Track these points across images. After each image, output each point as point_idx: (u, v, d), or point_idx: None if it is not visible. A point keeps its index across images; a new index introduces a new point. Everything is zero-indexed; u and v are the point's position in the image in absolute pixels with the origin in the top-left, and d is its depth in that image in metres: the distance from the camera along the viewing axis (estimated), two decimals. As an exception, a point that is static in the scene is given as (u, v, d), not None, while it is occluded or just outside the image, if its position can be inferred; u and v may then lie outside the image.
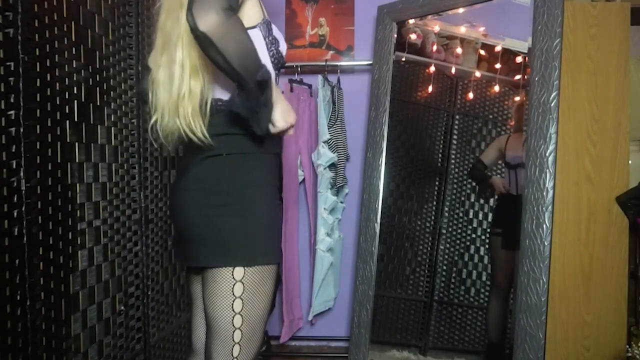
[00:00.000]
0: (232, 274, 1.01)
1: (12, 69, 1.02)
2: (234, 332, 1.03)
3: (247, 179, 1.04)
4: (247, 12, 1.05)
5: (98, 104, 1.34)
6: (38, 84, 1.09)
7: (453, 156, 2.22)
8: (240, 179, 1.03)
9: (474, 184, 2.18)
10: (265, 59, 1.06)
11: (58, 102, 1.16)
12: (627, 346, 1.50)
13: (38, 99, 1.09)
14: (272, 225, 1.08)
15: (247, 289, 1.02)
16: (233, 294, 1.02)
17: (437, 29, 2.16)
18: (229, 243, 1.02)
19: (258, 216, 1.04)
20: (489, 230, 2.13)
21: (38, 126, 1.09)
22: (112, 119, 1.41)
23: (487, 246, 2.11)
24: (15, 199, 1.02)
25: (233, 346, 1.03)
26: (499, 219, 2.14)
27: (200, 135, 1.01)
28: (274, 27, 1.11)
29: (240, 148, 1.04)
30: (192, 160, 1.05)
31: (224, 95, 1.05)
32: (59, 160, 1.16)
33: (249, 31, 1.00)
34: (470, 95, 2.18)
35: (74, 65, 1.23)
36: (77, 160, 1.24)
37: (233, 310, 1.02)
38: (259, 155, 1.06)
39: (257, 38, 1.05)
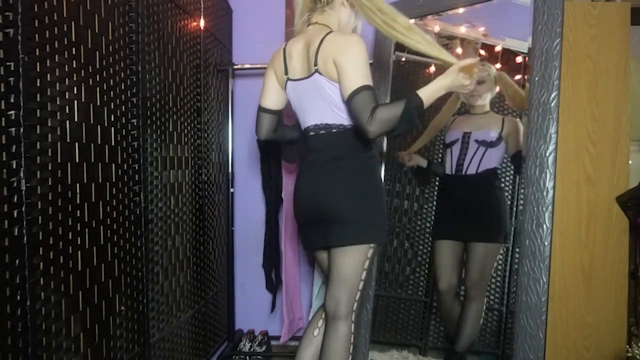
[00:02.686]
0: (369, 246, 1.46)
1: (12, 69, 1.02)
2: (360, 283, 1.47)
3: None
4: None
5: (98, 104, 1.34)
6: (38, 84, 1.09)
7: (453, 156, 2.21)
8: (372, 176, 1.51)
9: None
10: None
11: (58, 102, 1.16)
12: (628, 346, 1.50)
13: (38, 99, 1.09)
14: None
15: (372, 254, 1.48)
16: (367, 257, 1.46)
17: (437, 29, 2.16)
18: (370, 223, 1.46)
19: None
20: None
21: (38, 126, 1.09)
22: (113, 119, 1.41)
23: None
24: (15, 199, 1.02)
25: (357, 293, 1.47)
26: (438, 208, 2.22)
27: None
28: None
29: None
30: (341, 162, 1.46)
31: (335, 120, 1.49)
32: (59, 160, 1.17)
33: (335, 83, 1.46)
34: (471, 95, 2.18)
35: (74, 65, 1.23)
36: (76, 160, 1.24)
37: (364, 268, 1.46)
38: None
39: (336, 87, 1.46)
